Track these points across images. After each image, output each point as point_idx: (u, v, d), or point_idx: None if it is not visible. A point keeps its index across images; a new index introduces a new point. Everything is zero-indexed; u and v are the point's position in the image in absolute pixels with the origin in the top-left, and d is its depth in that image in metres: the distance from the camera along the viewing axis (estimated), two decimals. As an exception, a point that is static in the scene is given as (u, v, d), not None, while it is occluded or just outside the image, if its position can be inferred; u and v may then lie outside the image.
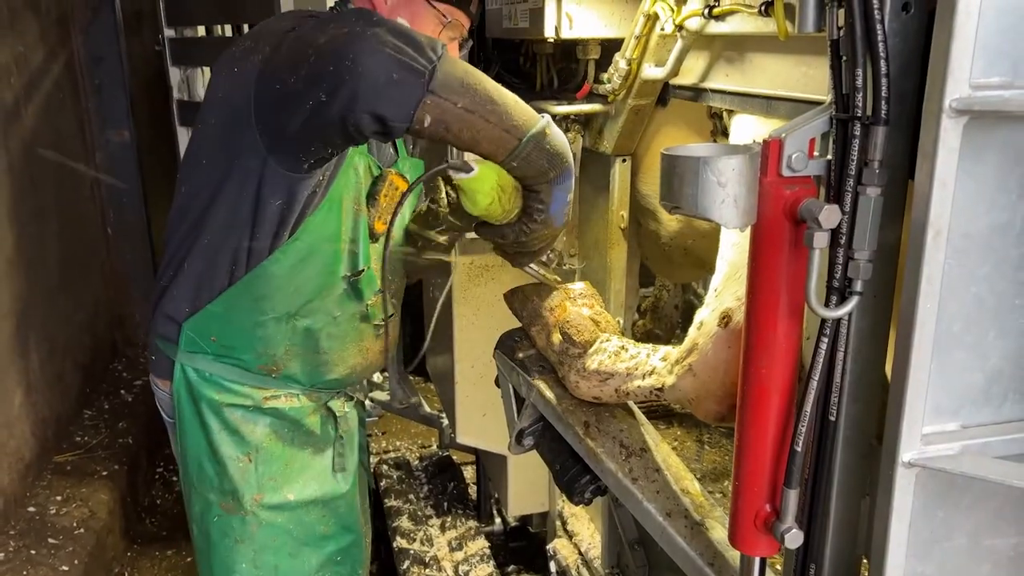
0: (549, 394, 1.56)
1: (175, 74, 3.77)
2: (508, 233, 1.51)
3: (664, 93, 1.69)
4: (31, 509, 2.96)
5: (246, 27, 3.44)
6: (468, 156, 1.49)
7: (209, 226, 1.64)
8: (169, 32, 3.75)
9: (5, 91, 3.09)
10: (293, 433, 1.84)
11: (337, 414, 1.91)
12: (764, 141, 0.96)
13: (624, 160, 1.89)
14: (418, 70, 1.33)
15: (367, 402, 3.51)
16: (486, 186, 1.46)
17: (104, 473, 3.26)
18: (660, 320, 2.91)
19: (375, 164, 1.76)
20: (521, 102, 1.43)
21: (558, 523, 2.48)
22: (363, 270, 1.76)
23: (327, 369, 1.83)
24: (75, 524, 2.94)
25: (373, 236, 1.77)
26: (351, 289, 1.77)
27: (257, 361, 1.76)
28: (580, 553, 2.30)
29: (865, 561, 1.11)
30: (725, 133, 1.60)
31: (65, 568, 2.73)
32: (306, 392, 1.84)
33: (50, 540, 2.82)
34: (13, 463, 2.92)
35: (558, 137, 1.44)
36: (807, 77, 1.21)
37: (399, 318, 2.01)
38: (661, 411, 3.45)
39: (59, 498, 3.05)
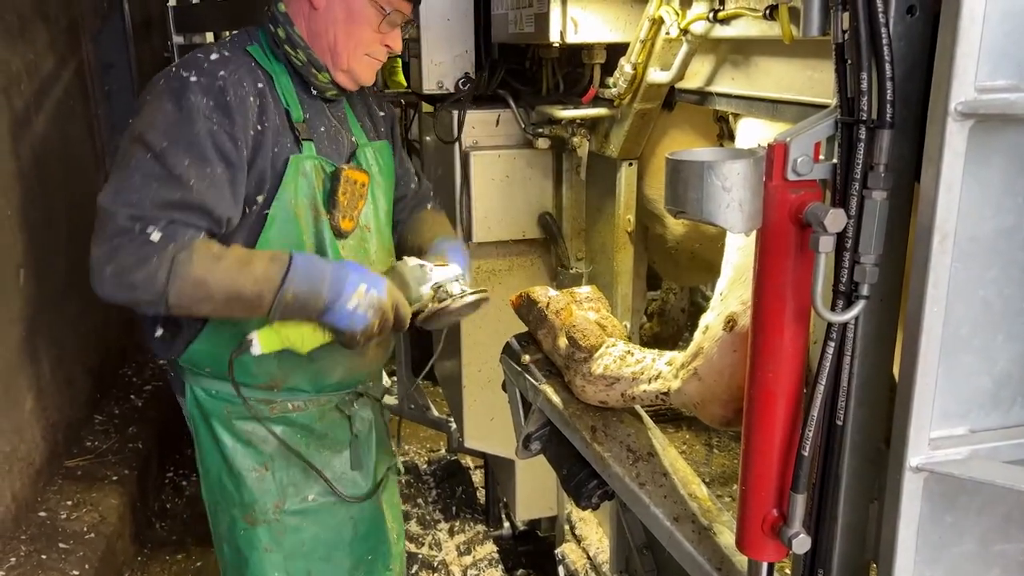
0: (556, 399, 1.56)
1: (184, 80, 3.79)
2: (349, 342, 1.62)
3: (670, 97, 1.69)
4: (42, 514, 2.97)
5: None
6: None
7: None
8: (178, 39, 3.78)
9: (16, 98, 3.11)
10: (307, 438, 1.84)
11: (348, 413, 1.90)
12: (769, 145, 0.96)
13: (630, 164, 1.89)
14: (151, 300, 1.51)
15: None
16: (274, 344, 1.61)
17: (114, 478, 3.28)
18: (667, 323, 2.90)
19: (327, 163, 1.72)
20: (265, 265, 1.55)
21: (566, 527, 2.47)
22: None
23: (326, 375, 1.83)
24: (86, 529, 2.95)
25: (340, 234, 1.74)
26: None
27: (256, 381, 1.76)
28: (589, 557, 2.29)
29: (874, 566, 1.10)
30: (731, 137, 1.60)
31: (76, 573, 2.74)
32: (313, 398, 1.84)
33: (61, 545, 2.83)
34: (24, 468, 2.94)
35: (299, 285, 1.54)
36: (812, 80, 1.21)
37: None
38: (669, 414, 3.44)
39: (70, 503, 3.06)
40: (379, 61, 1.75)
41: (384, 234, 1.87)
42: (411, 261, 1.75)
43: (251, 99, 1.60)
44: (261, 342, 1.60)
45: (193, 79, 1.56)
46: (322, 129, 1.74)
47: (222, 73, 1.59)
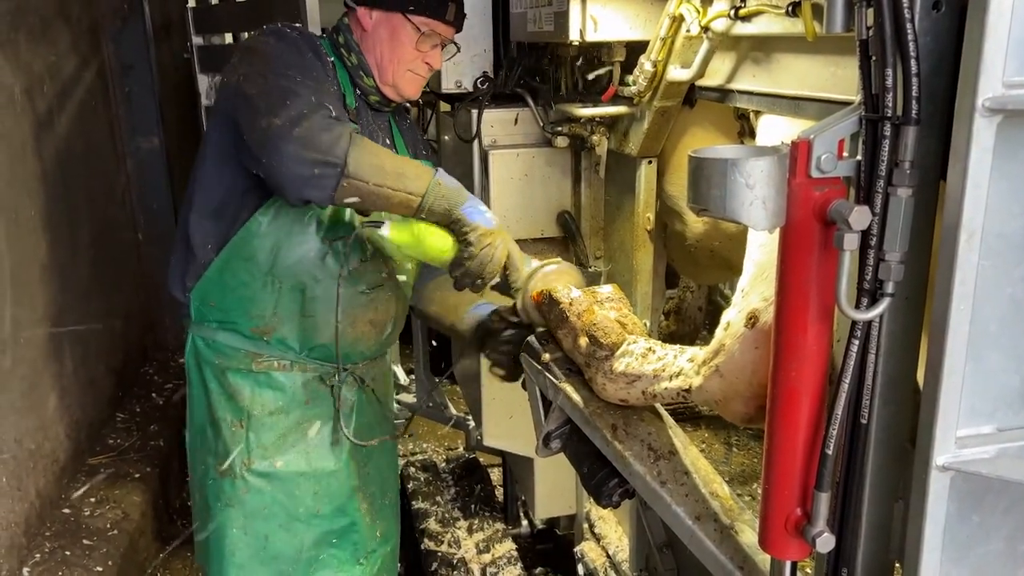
0: (576, 397, 1.56)
1: (203, 81, 3.82)
2: (458, 263, 1.68)
3: (691, 94, 1.69)
4: (66, 510, 3.01)
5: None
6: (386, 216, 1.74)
7: (203, 200, 1.83)
8: (197, 40, 3.80)
9: (38, 100, 3.15)
10: (288, 403, 1.92)
11: (331, 385, 1.95)
12: (793, 142, 0.95)
13: (650, 162, 1.89)
14: (332, 163, 1.57)
15: (394, 405, 3.54)
16: (404, 237, 1.69)
17: (136, 475, 3.31)
18: (684, 322, 2.89)
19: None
20: (417, 165, 1.72)
21: (585, 526, 2.47)
22: (342, 237, 1.83)
23: (315, 333, 1.88)
24: (109, 525, 2.98)
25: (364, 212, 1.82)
26: (332, 252, 1.84)
27: (250, 323, 1.87)
28: (608, 556, 2.29)
29: (898, 566, 1.09)
30: (752, 134, 1.59)
31: (99, 569, 2.77)
32: (299, 361, 1.91)
33: (84, 541, 2.87)
34: (48, 465, 2.97)
35: (449, 183, 1.68)
36: (835, 77, 1.20)
37: (404, 301, 2.04)
38: (688, 414, 3.43)
39: (93, 500, 3.10)
40: (422, 77, 1.91)
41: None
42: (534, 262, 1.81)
43: (329, 61, 1.82)
44: (392, 227, 1.69)
45: (289, 31, 1.77)
46: (366, 127, 1.89)
47: (310, 38, 1.81)
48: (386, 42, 1.84)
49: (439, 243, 1.69)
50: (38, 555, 2.74)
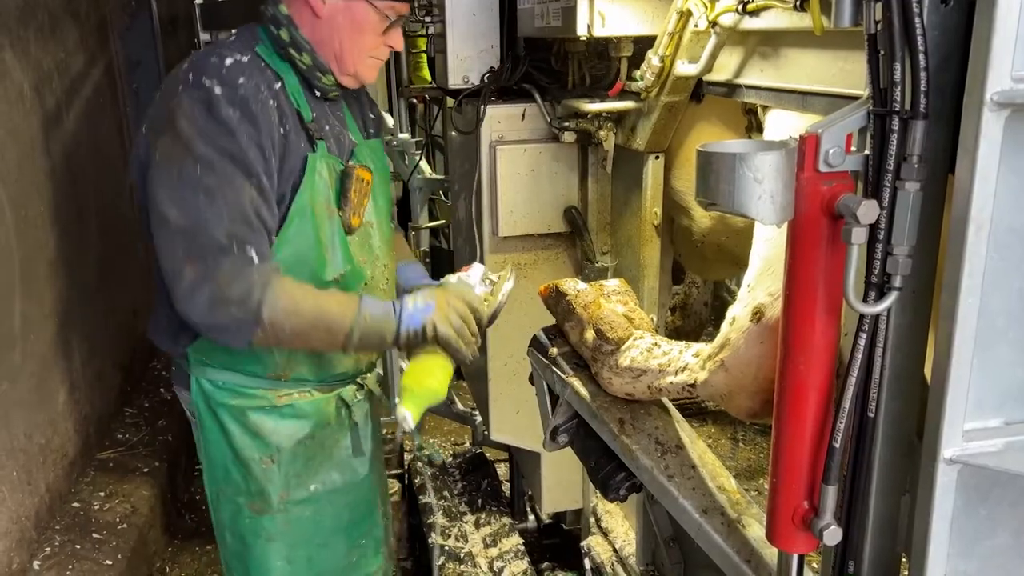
0: (583, 391, 1.56)
1: (210, 77, 3.83)
2: (455, 353, 1.78)
3: (698, 89, 1.69)
4: (75, 505, 3.03)
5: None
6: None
7: None
8: (204, 36, 3.81)
9: (47, 96, 3.16)
10: (312, 427, 1.88)
11: (349, 403, 1.94)
12: (801, 137, 0.96)
13: (657, 157, 1.89)
14: (245, 316, 1.57)
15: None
16: (421, 407, 1.78)
17: (145, 470, 3.33)
18: (689, 317, 2.89)
19: (337, 162, 1.76)
20: (342, 300, 1.70)
21: (592, 520, 2.48)
22: (345, 271, 1.78)
23: (332, 365, 1.87)
24: (118, 519, 3.00)
25: (349, 231, 1.79)
26: (339, 288, 1.78)
27: (265, 371, 1.80)
28: (615, 550, 2.30)
29: (905, 559, 1.10)
30: (760, 129, 1.59)
31: (109, 562, 2.79)
32: (317, 387, 1.88)
33: (94, 535, 2.89)
34: (58, 460, 2.99)
35: (374, 311, 1.70)
36: (843, 72, 1.20)
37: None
38: (694, 409, 3.43)
39: (102, 494, 3.12)
40: (381, 61, 1.80)
41: (384, 230, 1.93)
42: (451, 278, 1.89)
43: (271, 103, 1.62)
44: (410, 411, 1.74)
45: (217, 91, 1.57)
46: (327, 128, 1.77)
47: (241, 80, 1.59)
48: (346, 31, 1.70)
49: (442, 375, 1.76)
50: (48, 549, 2.76)
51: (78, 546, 2.81)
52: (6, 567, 2.52)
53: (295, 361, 1.81)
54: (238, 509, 1.87)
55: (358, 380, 1.97)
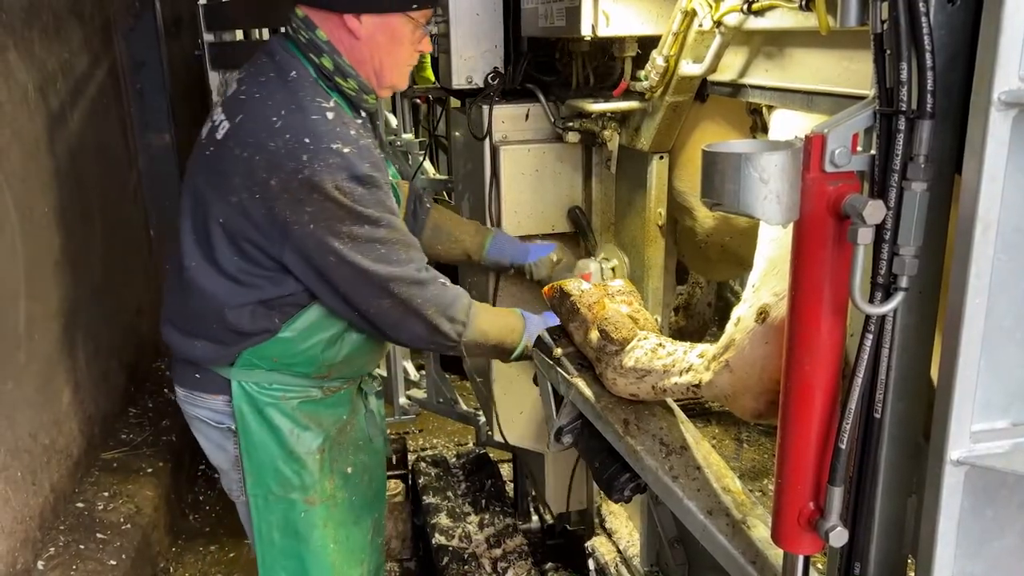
0: (588, 392, 1.56)
1: (214, 78, 3.83)
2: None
3: (702, 89, 1.68)
4: (79, 505, 3.04)
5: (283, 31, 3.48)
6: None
7: (245, 298, 1.75)
8: (208, 37, 3.81)
9: (52, 97, 3.17)
10: (346, 414, 1.98)
11: (367, 391, 2.07)
12: (807, 137, 0.95)
13: (661, 157, 1.88)
14: (450, 340, 1.81)
15: (404, 400, 3.58)
16: None
17: (149, 470, 3.33)
18: (693, 318, 2.89)
19: (394, 179, 1.88)
20: (511, 319, 1.91)
21: (596, 521, 2.48)
22: None
23: (367, 365, 2.03)
24: (122, 520, 3.00)
25: None
26: None
27: (316, 371, 1.88)
28: (619, 551, 2.30)
29: (911, 561, 1.09)
30: (764, 129, 1.59)
31: (113, 562, 2.79)
32: (348, 380, 2.00)
33: (98, 535, 2.89)
34: (62, 460, 3.00)
35: (533, 329, 1.89)
36: (849, 71, 1.20)
37: None
38: (699, 410, 3.43)
39: (106, 494, 3.12)
40: (413, 66, 1.86)
41: None
42: (542, 262, 2.12)
43: (373, 144, 1.72)
44: None
45: (345, 150, 1.62)
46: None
47: (352, 132, 1.65)
48: (385, 47, 1.72)
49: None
50: (52, 549, 2.77)
51: (82, 546, 2.81)
52: (11, 567, 2.52)
53: (344, 363, 1.90)
54: (291, 506, 1.91)
55: (371, 371, 2.12)
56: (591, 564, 2.36)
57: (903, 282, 0.94)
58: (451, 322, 1.78)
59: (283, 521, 1.93)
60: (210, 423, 1.94)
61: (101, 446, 3.40)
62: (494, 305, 2.28)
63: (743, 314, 1.23)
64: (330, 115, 1.65)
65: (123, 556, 2.84)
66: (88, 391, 3.28)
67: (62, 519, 2.93)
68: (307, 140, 1.60)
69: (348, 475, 2.00)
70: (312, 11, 1.71)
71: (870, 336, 0.98)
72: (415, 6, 1.70)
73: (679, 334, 2.99)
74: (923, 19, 0.89)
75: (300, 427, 1.88)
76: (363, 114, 1.83)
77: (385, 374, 3.56)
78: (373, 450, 2.10)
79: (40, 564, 2.69)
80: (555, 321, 1.85)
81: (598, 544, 2.36)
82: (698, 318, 3.07)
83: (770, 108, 1.48)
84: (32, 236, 2.86)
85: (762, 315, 1.17)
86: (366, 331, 1.84)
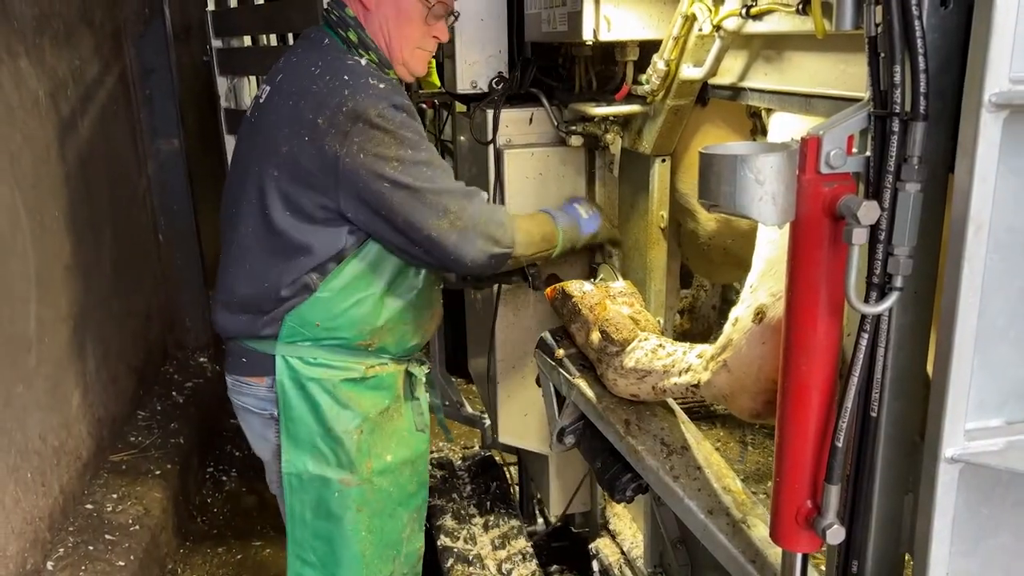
0: (590, 392, 1.58)
1: (222, 83, 3.87)
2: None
3: (703, 93, 1.70)
4: (88, 506, 3.06)
5: (291, 37, 3.52)
6: None
7: (293, 251, 1.80)
8: (216, 43, 3.85)
9: (62, 103, 3.21)
10: (391, 400, 1.98)
11: (416, 376, 2.06)
12: (802, 139, 0.97)
13: (663, 160, 1.90)
14: (506, 252, 1.84)
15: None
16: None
17: (157, 472, 3.36)
18: (697, 320, 2.90)
19: None
20: (544, 222, 1.98)
21: (600, 523, 2.48)
22: None
23: (411, 337, 1.99)
24: (130, 521, 3.03)
25: None
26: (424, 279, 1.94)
27: (358, 337, 1.88)
28: (623, 552, 2.30)
29: (909, 559, 1.10)
30: (765, 132, 1.60)
31: (121, 563, 2.81)
32: (394, 360, 1.98)
33: (107, 536, 2.91)
34: (71, 462, 3.02)
35: (567, 225, 2.01)
36: (846, 74, 1.21)
37: None
38: (703, 412, 3.43)
39: (115, 496, 3.15)
40: (429, 52, 1.91)
41: None
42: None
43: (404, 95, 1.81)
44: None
45: (381, 85, 1.74)
46: None
47: (387, 86, 1.75)
48: (392, 20, 1.82)
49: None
50: (61, 549, 2.79)
51: (91, 547, 2.84)
52: (20, 567, 2.54)
53: (386, 329, 1.90)
54: (326, 484, 1.92)
55: (417, 357, 2.10)
56: (595, 566, 2.37)
57: (898, 282, 0.95)
58: (503, 230, 1.82)
59: (316, 500, 1.94)
60: (254, 411, 1.96)
61: (110, 448, 3.42)
62: (494, 319, 2.30)
63: (741, 314, 1.24)
64: (363, 61, 1.79)
65: (131, 557, 2.86)
66: (97, 394, 3.31)
67: (71, 520, 2.95)
68: (346, 77, 1.72)
69: (388, 463, 1.98)
70: None
71: (866, 335, 0.99)
72: None
73: (685, 336, 3.00)
74: (916, 22, 0.90)
75: (340, 405, 1.89)
76: None
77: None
78: (416, 441, 2.08)
79: (49, 564, 2.71)
80: (578, 213, 1.99)
81: (602, 546, 2.37)
82: (703, 321, 3.08)
83: (769, 111, 1.49)
84: (42, 241, 2.89)
85: (759, 315, 1.19)
86: (431, 265, 1.88)
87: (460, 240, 1.77)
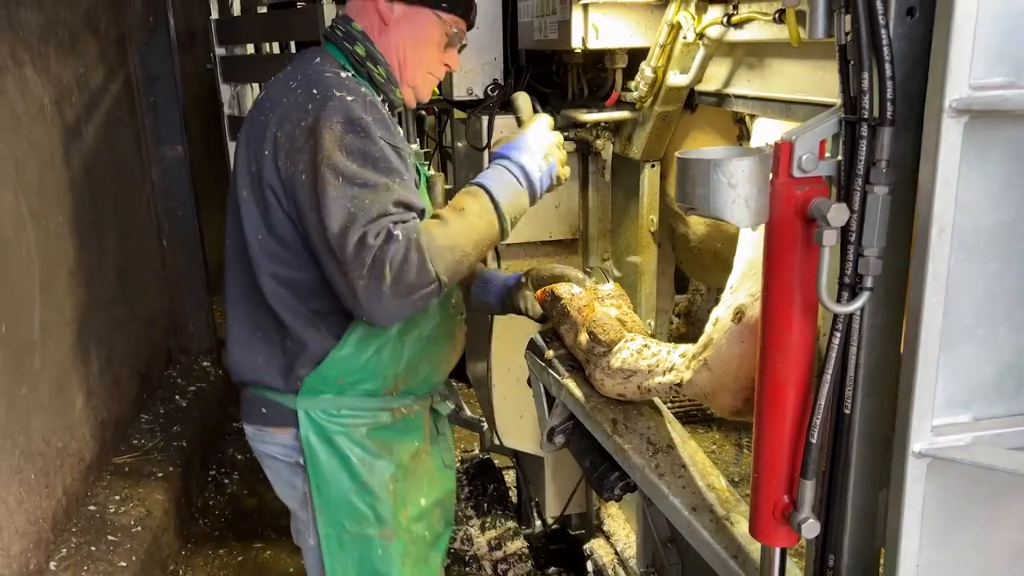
0: (578, 392, 1.60)
1: (226, 91, 3.92)
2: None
3: (691, 99, 1.73)
4: (91, 508, 3.10)
5: (292, 45, 3.56)
6: None
7: (306, 302, 1.68)
8: (220, 50, 3.89)
9: (67, 110, 3.25)
10: (419, 441, 1.87)
11: (441, 412, 1.97)
12: (776, 143, 1.00)
13: (653, 165, 1.93)
14: (431, 291, 1.53)
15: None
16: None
17: (159, 475, 3.39)
18: (694, 324, 2.93)
19: (422, 167, 1.80)
20: (478, 208, 1.64)
21: (595, 523, 2.51)
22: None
23: (435, 372, 1.88)
24: (133, 523, 3.06)
25: None
26: (449, 293, 1.83)
27: (383, 386, 1.78)
28: (616, 553, 2.33)
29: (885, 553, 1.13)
30: (750, 137, 1.63)
31: (123, 564, 2.85)
32: (416, 400, 1.88)
33: (109, 537, 2.95)
34: (75, 464, 3.06)
35: (504, 196, 1.67)
36: (823, 81, 1.24)
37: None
38: (700, 415, 3.45)
39: (117, 498, 3.18)
40: (437, 79, 1.82)
41: None
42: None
43: (379, 105, 1.66)
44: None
45: (349, 98, 1.58)
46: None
47: (363, 90, 1.62)
48: (410, 40, 1.71)
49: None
50: (64, 550, 2.83)
51: (93, 548, 2.87)
52: (24, 567, 2.58)
53: (408, 370, 1.79)
54: (368, 544, 1.80)
55: (440, 392, 1.99)
56: (589, 566, 2.39)
57: (868, 282, 0.98)
58: (422, 276, 1.52)
59: (359, 562, 1.81)
60: (280, 458, 1.84)
61: (113, 451, 3.46)
62: (490, 337, 2.24)
63: (721, 314, 1.27)
64: (343, 74, 1.65)
65: (133, 558, 2.89)
66: (101, 397, 3.35)
67: (74, 521, 2.99)
68: (315, 91, 1.59)
69: (423, 508, 1.88)
70: (351, 3, 1.74)
71: (838, 334, 1.02)
72: (444, 6, 1.70)
73: (681, 340, 3.02)
74: (883, 31, 0.93)
75: (371, 455, 1.77)
76: (389, 109, 1.76)
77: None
78: (445, 479, 1.98)
79: (52, 565, 2.75)
80: (518, 171, 1.69)
81: (596, 546, 2.40)
82: (699, 324, 3.11)
83: (753, 117, 1.52)
84: (47, 245, 2.93)
85: (738, 315, 1.22)
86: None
87: (368, 288, 1.51)
